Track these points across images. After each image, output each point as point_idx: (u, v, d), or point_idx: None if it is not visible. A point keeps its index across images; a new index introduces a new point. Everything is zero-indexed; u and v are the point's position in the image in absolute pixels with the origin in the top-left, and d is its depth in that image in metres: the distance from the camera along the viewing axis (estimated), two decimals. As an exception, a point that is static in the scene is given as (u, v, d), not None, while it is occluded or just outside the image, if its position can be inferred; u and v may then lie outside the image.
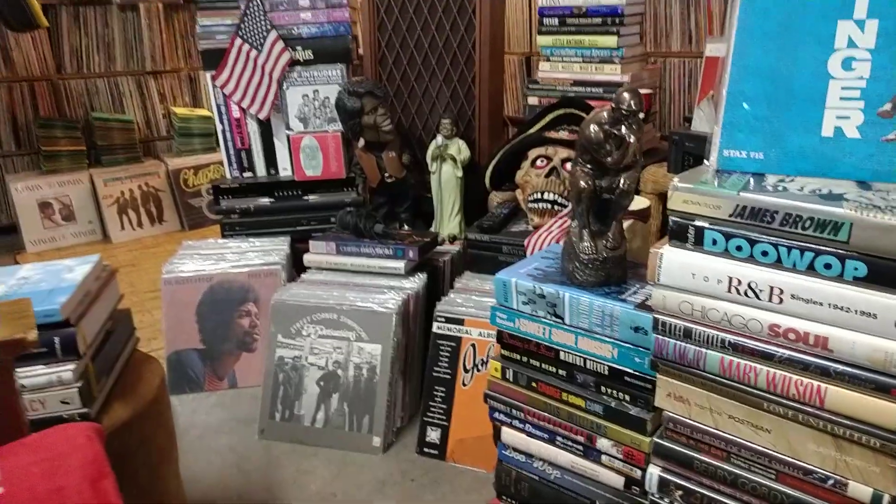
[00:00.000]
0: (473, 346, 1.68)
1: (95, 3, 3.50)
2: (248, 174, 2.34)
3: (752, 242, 0.84)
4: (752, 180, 0.87)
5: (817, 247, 0.80)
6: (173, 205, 3.54)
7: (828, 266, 0.80)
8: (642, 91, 1.94)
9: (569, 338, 1.13)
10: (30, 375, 1.07)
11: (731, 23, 0.91)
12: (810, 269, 0.81)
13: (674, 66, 2.69)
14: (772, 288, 0.84)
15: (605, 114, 1.05)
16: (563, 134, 1.87)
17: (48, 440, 0.83)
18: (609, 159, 1.06)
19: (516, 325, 1.18)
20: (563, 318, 1.13)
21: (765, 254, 0.84)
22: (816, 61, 0.85)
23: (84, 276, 1.19)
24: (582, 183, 1.09)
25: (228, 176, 2.34)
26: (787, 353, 0.85)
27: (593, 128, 1.05)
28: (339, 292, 1.84)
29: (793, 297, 0.83)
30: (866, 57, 0.82)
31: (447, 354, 1.70)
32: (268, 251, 2.14)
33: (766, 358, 0.87)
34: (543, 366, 1.18)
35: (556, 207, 1.79)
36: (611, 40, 2.07)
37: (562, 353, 1.15)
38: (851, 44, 0.83)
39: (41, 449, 0.81)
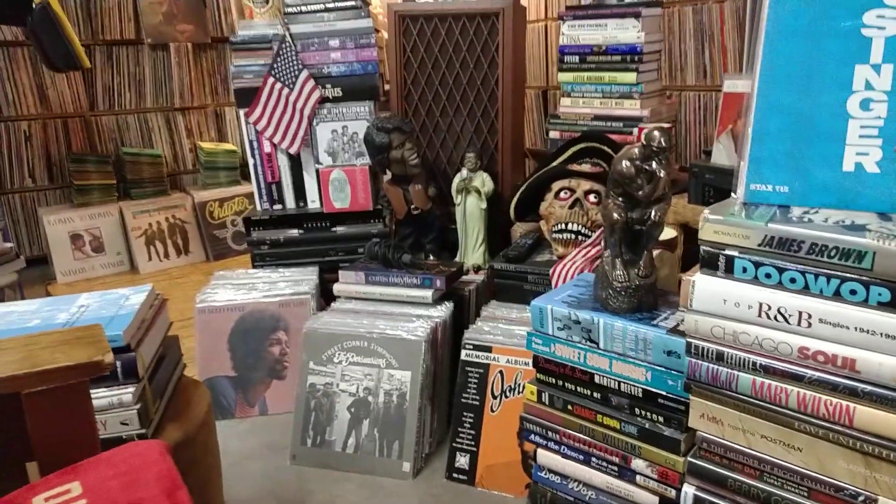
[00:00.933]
0: (501, 372, 1.72)
1: (128, 44, 3.63)
2: (277, 206, 2.41)
3: (781, 270, 0.89)
4: (778, 212, 0.92)
5: (843, 274, 0.85)
6: (199, 236, 3.61)
7: (853, 292, 0.85)
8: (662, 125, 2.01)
9: (603, 362, 1.18)
10: (93, 398, 1.13)
11: (755, 65, 0.97)
12: (837, 295, 0.86)
13: (689, 99, 2.76)
14: (800, 313, 0.89)
15: (636, 150, 1.11)
16: (585, 167, 1.93)
17: (122, 456, 0.89)
18: (640, 193, 1.12)
19: (552, 350, 1.23)
20: (597, 343, 1.18)
21: (793, 281, 0.89)
22: (836, 102, 0.91)
23: (140, 303, 1.26)
24: (615, 215, 1.15)
25: (259, 208, 2.42)
26: (817, 374, 0.89)
27: (625, 163, 1.12)
28: (369, 321, 1.89)
29: (821, 321, 0.87)
30: (883, 98, 0.88)
31: (475, 381, 1.74)
32: (297, 281, 2.19)
33: (797, 379, 0.91)
34: (578, 389, 1.22)
35: (579, 238, 1.84)
36: (630, 77, 2.15)
37: (596, 377, 1.19)
38: (868, 86, 0.89)
39: (118, 464, 0.86)
